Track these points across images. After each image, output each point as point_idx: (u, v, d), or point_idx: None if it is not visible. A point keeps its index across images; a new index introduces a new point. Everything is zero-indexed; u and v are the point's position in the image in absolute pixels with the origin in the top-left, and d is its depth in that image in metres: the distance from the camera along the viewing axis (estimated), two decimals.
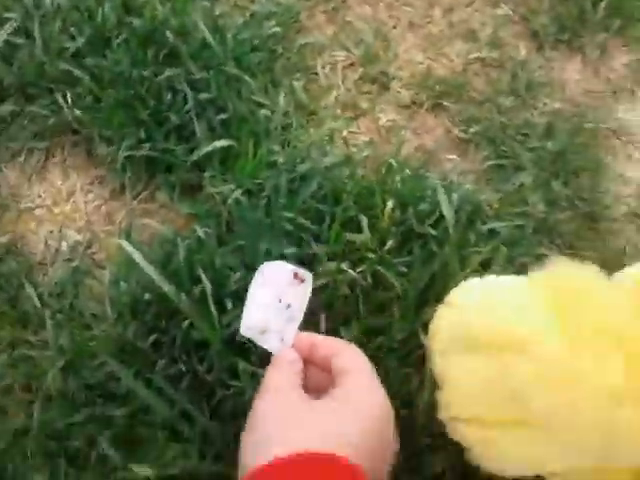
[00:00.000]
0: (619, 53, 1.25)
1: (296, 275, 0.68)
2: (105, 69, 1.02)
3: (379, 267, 0.86)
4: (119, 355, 0.80)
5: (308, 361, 0.63)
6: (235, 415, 0.77)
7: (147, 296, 0.83)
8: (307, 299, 0.68)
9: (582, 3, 1.25)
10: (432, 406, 0.74)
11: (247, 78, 1.02)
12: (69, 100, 1.02)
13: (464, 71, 1.18)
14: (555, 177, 1.08)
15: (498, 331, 0.67)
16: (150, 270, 0.79)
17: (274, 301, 0.68)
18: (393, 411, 0.61)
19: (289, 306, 0.68)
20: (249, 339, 0.68)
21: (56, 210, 0.99)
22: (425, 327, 0.84)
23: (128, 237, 0.89)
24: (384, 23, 1.23)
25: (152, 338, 0.79)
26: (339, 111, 1.12)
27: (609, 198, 1.08)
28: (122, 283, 0.83)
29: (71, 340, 0.82)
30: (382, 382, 0.68)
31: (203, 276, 0.79)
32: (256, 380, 0.76)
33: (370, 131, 1.12)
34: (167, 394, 0.76)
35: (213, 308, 0.77)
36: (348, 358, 0.60)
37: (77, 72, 1.01)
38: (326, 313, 0.80)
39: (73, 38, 1.05)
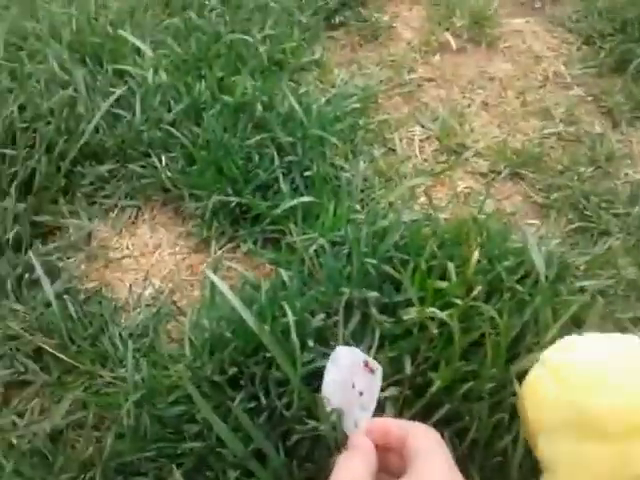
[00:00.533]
0: None
1: (367, 364, 0.69)
2: (198, 136, 1.09)
3: (468, 312, 0.82)
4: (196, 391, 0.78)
5: (383, 447, 0.61)
6: (310, 458, 0.72)
7: (228, 333, 0.82)
8: (378, 390, 0.68)
9: None
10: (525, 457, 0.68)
11: (331, 138, 1.06)
12: (163, 162, 1.08)
13: (540, 144, 1.20)
14: None
15: (622, 416, 0.58)
16: (234, 301, 0.79)
17: (348, 385, 0.69)
18: None
19: (361, 394, 0.68)
20: None
21: (142, 261, 1.02)
22: (517, 377, 0.79)
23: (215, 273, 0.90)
24: (458, 103, 1.28)
25: (231, 372, 0.77)
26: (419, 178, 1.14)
27: None
28: (204, 320, 0.83)
29: (148, 376, 0.80)
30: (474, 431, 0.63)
31: (287, 309, 0.78)
32: (333, 420, 0.72)
33: (449, 197, 1.13)
34: (244, 429, 0.72)
35: (296, 340, 0.75)
36: (421, 439, 0.58)
37: (173, 137, 1.08)
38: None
39: (170, 110, 1.14)
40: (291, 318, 0.77)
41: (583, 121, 1.24)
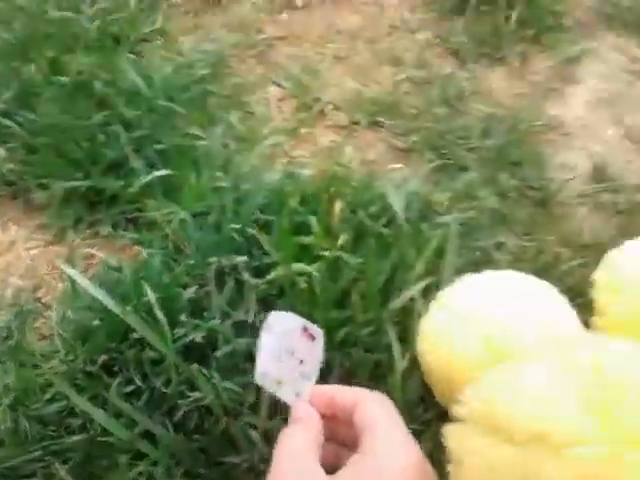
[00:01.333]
0: (539, 59, 1.30)
1: (305, 329, 0.65)
2: (35, 122, 1.01)
3: (336, 262, 0.82)
4: (71, 386, 0.73)
5: (331, 416, 0.56)
6: (200, 429, 0.69)
7: (96, 321, 0.77)
8: (320, 357, 0.64)
9: (495, 20, 1.32)
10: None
11: (179, 109, 1.01)
12: (2, 154, 0.99)
13: (394, 92, 1.21)
14: (500, 171, 1.08)
15: (524, 422, 0.53)
16: (93, 290, 0.74)
17: (287, 353, 0.65)
18: (432, 469, 0.52)
19: (302, 362, 0.64)
20: (262, 388, 0.64)
21: None
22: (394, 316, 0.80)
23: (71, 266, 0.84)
24: (311, 59, 1.27)
25: (103, 359, 0.72)
26: (279, 139, 1.12)
27: (557, 184, 1.08)
28: (69, 313, 0.78)
29: (18, 377, 0.74)
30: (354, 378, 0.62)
31: (148, 289, 0.74)
32: (216, 389, 0.70)
33: (312, 154, 1.12)
34: (125, 414, 0.68)
35: (162, 317, 0.71)
36: (371, 409, 0.53)
37: (8, 124, 0.99)
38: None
39: None
40: (152, 296, 0.74)
41: (433, 64, 1.27)
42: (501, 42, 1.29)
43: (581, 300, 0.90)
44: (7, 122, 1.00)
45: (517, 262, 0.94)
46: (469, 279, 0.78)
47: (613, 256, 0.73)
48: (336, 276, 0.82)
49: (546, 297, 0.75)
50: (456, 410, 0.59)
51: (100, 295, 0.74)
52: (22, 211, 1.00)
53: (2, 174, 0.98)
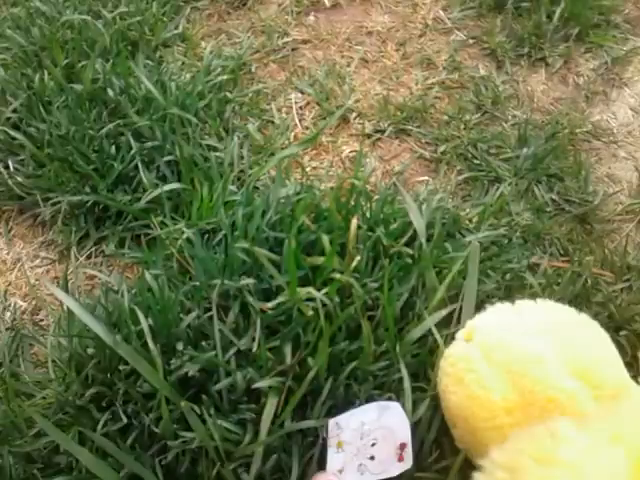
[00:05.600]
0: (583, 59, 1.20)
1: (403, 447, 0.62)
2: (46, 133, 0.98)
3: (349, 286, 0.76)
4: (60, 419, 0.69)
5: None
6: (192, 474, 0.64)
7: (90, 350, 0.73)
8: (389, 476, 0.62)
9: (536, 17, 1.22)
10: None
11: (191, 117, 0.97)
12: (11, 167, 0.97)
13: (424, 96, 1.13)
14: (537, 183, 0.99)
15: None
16: (85, 317, 0.70)
17: (368, 440, 0.64)
18: None
19: (372, 459, 0.63)
20: None
21: (0, 280, 0.91)
22: (410, 345, 0.73)
23: (66, 290, 0.80)
24: (337, 62, 1.20)
25: (90, 393, 0.68)
26: (299, 150, 1.06)
27: (599, 198, 0.99)
28: (62, 340, 0.74)
29: (2, 412, 0.71)
30: None
31: (142, 317, 0.69)
32: (210, 430, 0.65)
33: (332, 165, 1.05)
34: (113, 455, 0.64)
35: (154, 348, 0.66)
36: None
37: (17, 138, 0.97)
38: None
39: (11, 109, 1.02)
40: (145, 324, 0.69)
41: (467, 66, 1.19)
42: (542, 41, 1.20)
43: (625, 332, 0.81)
44: (16, 134, 0.97)
45: (552, 286, 0.86)
46: (498, 308, 0.71)
47: None
48: (347, 303, 0.76)
49: (585, 333, 0.67)
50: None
51: (92, 322, 0.69)
52: (29, 227, 0.98)
53: (10, 188, 0.96)
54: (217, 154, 0.98)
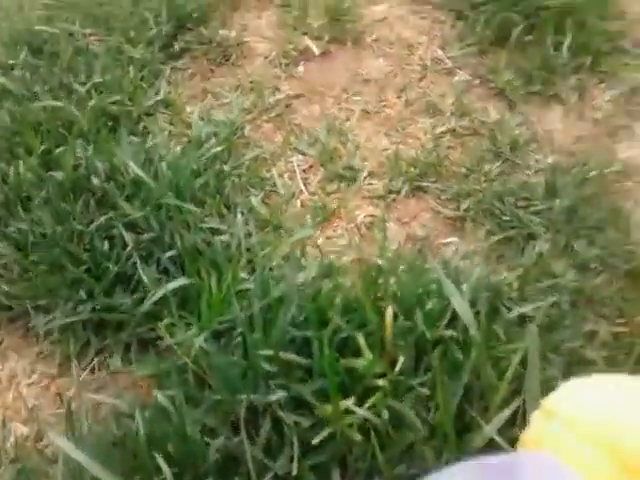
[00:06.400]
0: (598, 91, 1.13)
1: None
2: (27, 233, 0.87)
3: (392, 398, 0.65)
4: None
5: None
6: None
7: None
8: None
9: (542, 49, 1.14)
10: None
11: (189, 206, 0.86)
12: None
13: (436, 148, 1.04)
14: (576, 237, 0.90)
15: None
16: (97, 470, 0.59)
17: None
18: None
19: None
20: None
21: None
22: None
23: (72, 428, 0.69)
24: (336, 117, 1.11)
25: None
26: (308, 218, 0.96)
27: None
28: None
29: None
30: None
31: (163, 465, 0.58)
32: None
33: (348, 234, 0.96)
34: None
35: None
36: None
37: None
38: None
39: None
40: (168, 473, 0.58)
41: (476, 109, 1.10)
42: (553, 76, 1.12)
43: None
44: None
45: (614, 357, 0.77)
46: (575, 383, 0.62)
47: None
48: (397, 419, 0.65)
49: None
50: None
51: (105, 476, 0.58)
52: (22, 337, 0.87)
53: None
54: (221, 238, 0.88)
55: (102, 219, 0.86)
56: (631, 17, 1.26)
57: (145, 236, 0.85)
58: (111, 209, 0.87)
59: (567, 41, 1.14)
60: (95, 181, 0.90)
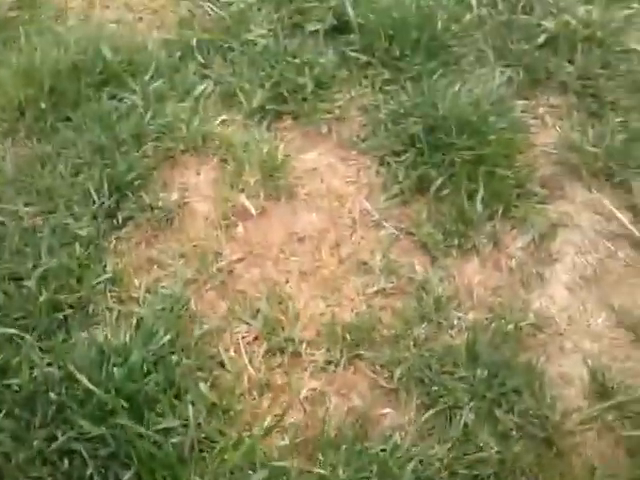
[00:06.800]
0: (510, 238, 1.24)
1: None
2: None
3: None
4: None
5: None
6: None
7: None
8: None
9: (458, 200, 1.26)
10: None
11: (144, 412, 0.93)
12: None
13: (369, 310, 1.14)
14: (497, 405, 1.01)
15: None
16: None
17: None
18: None
19: None
20: None
21: None
22: None
23: None
24: (275, 281, 1.19)
25: None
26: (255, 396, 1.04)
27: (558, 408, 1.01)
28: None
29: None
30: None
31: None
32: None
33: (292, 410, 1.04)
34: None
35: None
36: None
37: None
38: None
39: None
40: None
41: (402, 265, 1.20)
42: (469, 227, 1.23)
43: None
44: None
45: None
46: None
47: None
48: None
49: None
50: None
51: None
52: None
53: None
54: (173, 441, 0.95)
55: (62, 438, 0.91)
56: (540, 149, 1.39)
57: (102, 452, 0.91)
58: (69, 426, 0.93)
59: (480, 191, 1.25)
60: (52, 395, 0.95)
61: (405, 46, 1.51)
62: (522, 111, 1.45)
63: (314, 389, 1.06)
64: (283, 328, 1.12)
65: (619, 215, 1.24)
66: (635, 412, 1.01)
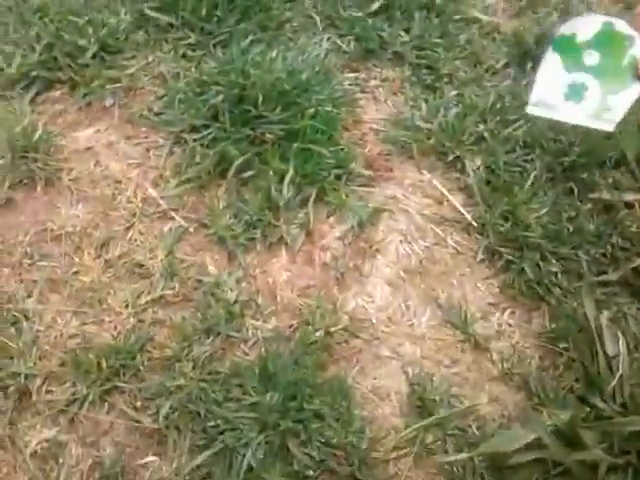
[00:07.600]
0: (327, 227, 1.01)
1: None
2: None
3: None
4: None
5: None
6: None
7: None
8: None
9: (265, 186, 1.01)
10: None
11: None
12: None
13: (140, 323, 0.86)
14: (293, 436, 0.76)
15: None
16: None
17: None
18: None
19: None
20: None
21: None
22: None
23: None
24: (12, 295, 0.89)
25: None
26: None
27: (368, 433, 0.79)
28: None
29: None
30: None
31: None
32: None
33: (16, 468, 0.74)
34: None
35: None
36: None
37: None
38: None
39: None
40: None
41: (190, 265, 0.94)
42: (276, 216, 0.99)
43: None
44: None
45: None
46: None
47: None
48: None
49: None
50: None
51: None
52: None
53: None
54: None
55: None
56: (368, 125, 1.18)
57: None
58: None
59: (290, 172, 1.02)
60: None
61: (215, 5, 1.26)
62: (350, 84, 1.24)
63: (47, 440, 0.77)
64: (12, 358, 0.82)
65: (450, 197, 1.04)
66: (459, 428, 0.80)
